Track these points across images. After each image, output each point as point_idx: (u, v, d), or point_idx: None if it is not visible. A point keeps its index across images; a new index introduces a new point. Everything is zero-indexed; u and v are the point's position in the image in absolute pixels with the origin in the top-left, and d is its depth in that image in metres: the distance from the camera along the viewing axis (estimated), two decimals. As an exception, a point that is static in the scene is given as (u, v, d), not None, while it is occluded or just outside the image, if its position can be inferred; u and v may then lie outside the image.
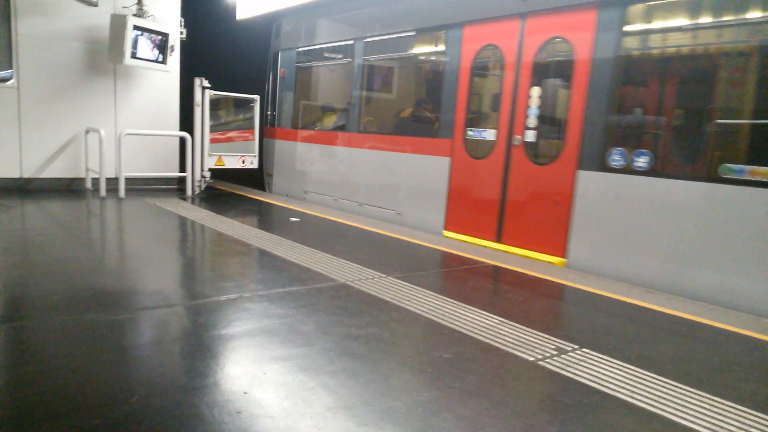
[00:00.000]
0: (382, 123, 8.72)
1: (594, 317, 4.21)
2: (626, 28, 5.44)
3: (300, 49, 10.06)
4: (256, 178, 11.07)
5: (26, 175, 8.72)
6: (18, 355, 3.06)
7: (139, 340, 3.35)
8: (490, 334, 3.61)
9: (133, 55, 8.66)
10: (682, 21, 5.15)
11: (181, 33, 9.65)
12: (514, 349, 3.39)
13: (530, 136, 6.25)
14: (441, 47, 7.43)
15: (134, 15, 8.69)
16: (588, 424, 2.56)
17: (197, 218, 7.28)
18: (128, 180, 8.68)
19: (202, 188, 9.44)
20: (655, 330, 3.97)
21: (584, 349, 3.44)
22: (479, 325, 3.76)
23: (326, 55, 9.62)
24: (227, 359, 3.07)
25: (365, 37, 8.53)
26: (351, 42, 8.77)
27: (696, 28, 5.06)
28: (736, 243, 4.68)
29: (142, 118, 9.51)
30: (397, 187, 8.03)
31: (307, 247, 5.83)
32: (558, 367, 3.17)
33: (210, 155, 9.30)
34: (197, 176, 9.27)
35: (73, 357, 2.98)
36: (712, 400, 2.87)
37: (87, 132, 8.97)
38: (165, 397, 2.59)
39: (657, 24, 5.38)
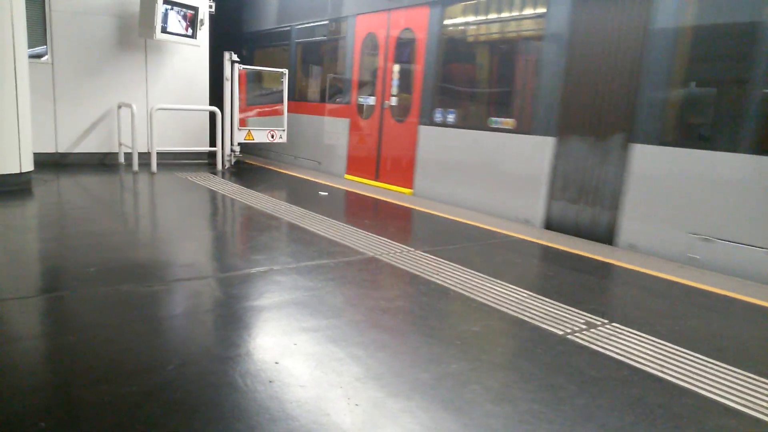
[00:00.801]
0: (308, 93, 10.75)
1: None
2: (445, 21, 7.42)
3: (253, 31, 12.07)
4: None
5: (61, 149, 8.90)
6: (58, 324, 3.17)
7: (174, 311, 3.43)
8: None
9: (164, 30, 8.70)
10: (476, 17, 7.09)
11: (210, 7, 9.64)
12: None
13: (394, 101, 8.36)
14: (344, 33, 9.41)
15: (164, -11, 8.72)
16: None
17: (228, 192, 7.37)
18: (160, 154, 8.79)
19: (232, 162, 9.54)
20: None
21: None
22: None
23: (271, 37, 11.54)
24: (259, 330, 3.13)
25: (297, 24, 10.57)
26: (288, 28, 10.85)
27: (483, 23, 7.03)
28: (497, 169, 6.80)
29: (172, 93, 9.59)
30: (318, 142, 10.08)
31: (335, 221, 5.87)
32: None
33: (239, 129, 9.36)
34: (227, 150, 9.36)
35: (110, 327, 3.07)
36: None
37: (119, 107, 9.10)
38: (199, 366, 2.66)
39: (462, 19, 7.28)
